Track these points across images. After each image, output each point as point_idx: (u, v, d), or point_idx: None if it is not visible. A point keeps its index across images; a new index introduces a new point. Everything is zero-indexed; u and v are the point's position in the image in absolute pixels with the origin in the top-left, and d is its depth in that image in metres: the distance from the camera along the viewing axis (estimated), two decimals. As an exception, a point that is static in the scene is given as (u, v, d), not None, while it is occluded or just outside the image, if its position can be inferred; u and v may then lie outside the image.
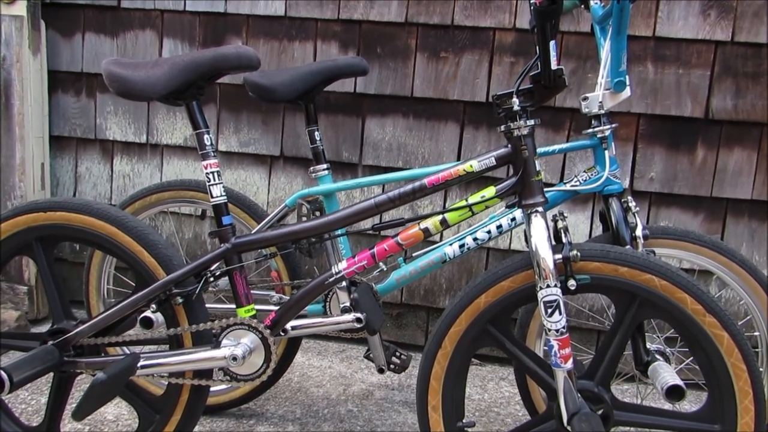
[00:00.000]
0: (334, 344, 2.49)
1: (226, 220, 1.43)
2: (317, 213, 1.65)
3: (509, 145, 1.31)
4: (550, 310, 1.26)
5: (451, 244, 1.69)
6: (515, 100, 1.27)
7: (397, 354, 1.84)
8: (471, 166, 1.32)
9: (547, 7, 1.18)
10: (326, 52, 2.33)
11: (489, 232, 1.68)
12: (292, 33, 2.35)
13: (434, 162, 2.31)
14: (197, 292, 1.43)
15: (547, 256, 1.26)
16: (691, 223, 2.20)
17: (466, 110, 2.28)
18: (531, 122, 1.28)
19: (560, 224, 1.34)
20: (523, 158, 1.29)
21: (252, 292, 1.88)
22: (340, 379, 2.19)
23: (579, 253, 1.27)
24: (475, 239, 1.68)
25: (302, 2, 2.32)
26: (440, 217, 1.35)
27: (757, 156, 2.14)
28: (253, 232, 1.73)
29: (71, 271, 2.58)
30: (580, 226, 2.26)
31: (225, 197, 1.43)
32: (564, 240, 1.31)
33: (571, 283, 1.28)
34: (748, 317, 1.70)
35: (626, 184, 2.20)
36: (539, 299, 1.27)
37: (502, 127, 1.30)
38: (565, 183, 1.65)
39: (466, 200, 1.34)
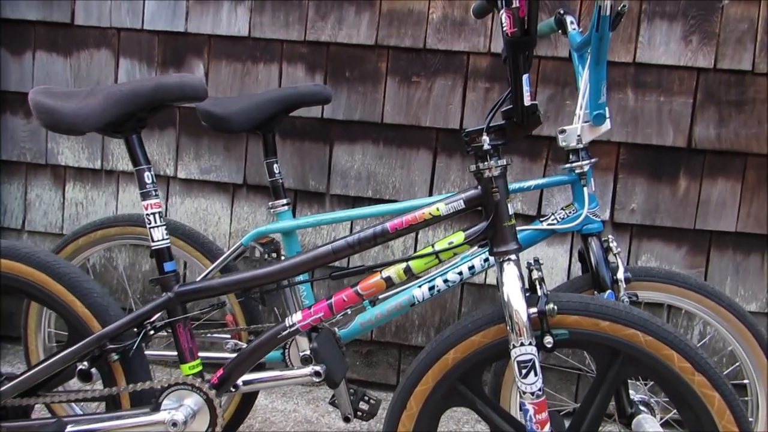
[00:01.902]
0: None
1: (168, 266, 1.29)
2: (274, 255, 1.51)
3: (479, 187, 1.19)
4: (524, 371, 1.14)
5: (420, 286, 1.57)
6: (485, 138, 1.15)
7: (366, 398, 1.70)
8: (437, 209, 1.20)
9: (519, 38, 1.07)
10: (292, 75, 2.20)
11: (460, 273, 1.56)
12: (257, 54, 2.22)
13: (405, 192, 2.19)
14: (135, 347, 1.29)
15: (521, 309, 1.14)
16: (673, 257, 2.10)
17: (439, 137, 2.16)
18: (502, 162, 1.16)
19: (535, 274, 1.22)
20: (494, 201, 1.17)
21: (210, 335, 1.76)
22: (305, 424, 2.04)
23: (556, 307, 1.15)
24: (445, 281, 1.57)
25: (267, 22, 2.20)
26: (404, 265, 1.23)
27: (741, 187, 2.05)
28: (200, 277, 1.59)
29: (18, 305, 2.41)
30: (558, 260, 2.15)
31: (167, 241, 1.29)
32: (539, 291, 1.19)
33: (548, 340, 1.15)
34: (737, 364, 1.59)
35: (606, 215, 2.10)
36: (512, 358, 1.15)
37: (472, 167, 1.19)
38: (541, 221, 1.54)
39: (433, 246, 1.22)
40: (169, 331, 1.30)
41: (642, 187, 2.09)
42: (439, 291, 1.57)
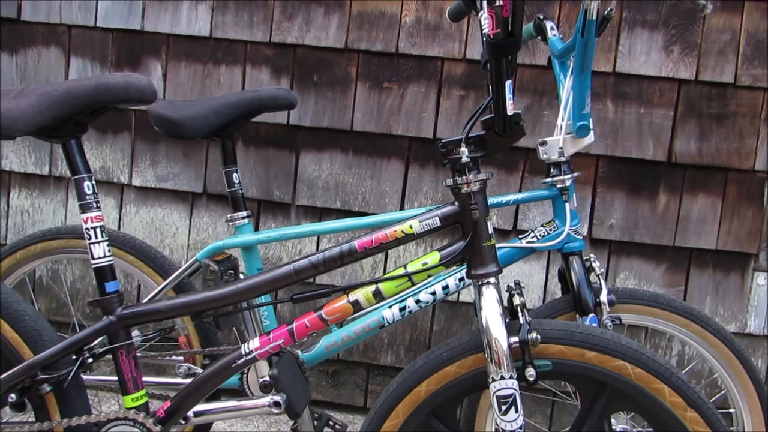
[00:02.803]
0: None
1: (110, 286, 1.16)
2: (231, 272, 1.39)
3: (456, 203, 1.09)
4: (504, 407, 1.03)
5: (390, 307, 1.46)
6: (463, 149, 1.05)
7: (331, 423, 1.59)
8: (410, 227, 1.09)
9: (503, 41, 0.97)
10: (257, 78, 2.08)
11: (434, 293, 1.45)
12: (219, 56, 2.09)
13: (376, 203, 2.08)
14: (71, 376, 1.15)
15: (501, 338, 1.03)
16: (652, 275, 2.03)
17: (412, 147, 2.06)
18: (482, 177, 1.06)
19: (517, 300, 1.12)
20: (472, 219, 1.06)
21: (161, 358, 1.61)
22: (264, 451, 1.91)
23: (539, 336, 1.05)
24: (417, 301, 1.46)
25: (230, 22, 2.07)
26: (373, 287, 1.11)
27: (722, 203, 1.99)
28: (149, 297, 1.46)
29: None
30: (534, 276, 2.05)
31: (110, 258, 1.16)
32: (521, 318, 1.09)
33: (530, 373, 1.05)
34: (723, 392, 1.51)
35: (585, 231, 2.01)
36: (491, 392, 1.04)
37: (449, 181, 1.08)
38: (520, 238, 1.44)
39: (405, 268, 1.11)
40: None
41: (621, 202, 2.01)
42: (410, 312, 1.46)
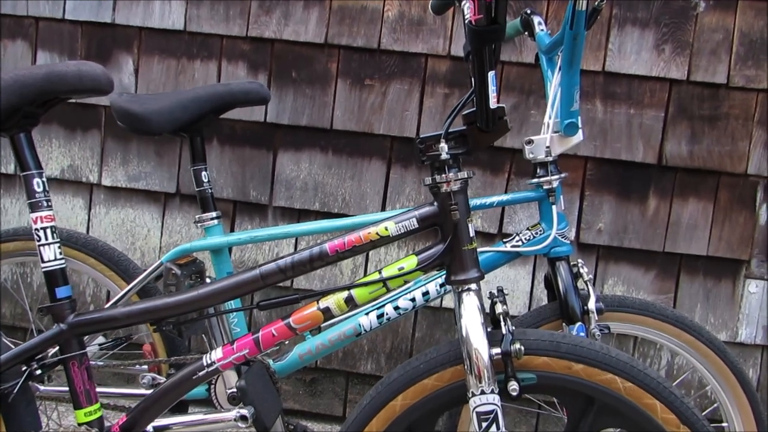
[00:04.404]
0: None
1: (61, 291, 1.07)
2: (197, 276, 1.30)
3: (435, 203, 1.01)
4: (485, 424, 0.96)
5: (367, 314, 1.39)
6: (443, 146, 0.97)
7: (306, 435, 1.50)
8: (386, 229, 1.01)
9: (485, 27, 0.89)
10: (233, 74, 1.99)
11: (413, 300, 1.38)
12: (193, 51, 2.01)
13: (356, 205, 2.00)
14: (17, 389, 1.06)
15: (481, 349, 0.96)
16: (641, 281, 1.96)
17: (394, 146, 1.98)
18: (463, 175, 0.99)
19: (499, 308, 1.05)
20: (452, 221, 0.99)
21: (124, 368, 1.52)
22: (237, 464, 1.82)
23: (523, 347, 0.97)
24: (396, 308, 1.38)
25: (205, 15, 1.98)
26: (345, 293, 1.03)
27: (713, 208, 1.92)
28: (111, 302, 1.37)
29: None
30: (520, 282, 1.98)
31: (61, 262, 1.07)
32: (504, 328, 1.01)
33: (513, 387, 0.97)
34: (715, 405, 1.44)
35: (572, 236, 1.94)
36: (471, 408, 0.97)
37: (428, 180, 1.01)
38: (505, 242, 1.37)
39: (380, 273, 1.03)
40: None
41: (610, 206, 1.94)
42: (389, 319, 1.39)
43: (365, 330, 1.38)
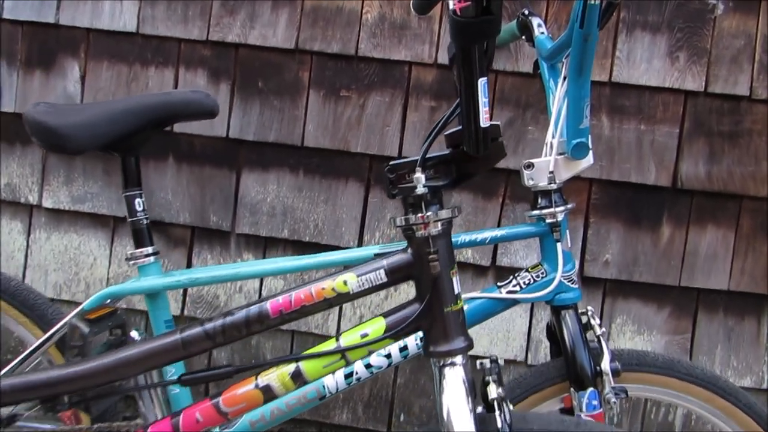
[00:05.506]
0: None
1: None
2: (118, 332, 1.06)
3: (409, 249, 0.78)
4: None
5: (333, 373, 1.14)
6: (419, 176, 0.74)
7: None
8: (345, 283, 0.78)
9: (473, 19, 0.66)
10: (191, 82, 1.76)
11: (389, 356, 1.13)
12: (147, 56, 1.77)
13: (330, 232, 1.76)
14: None
15: (469, 442, 0.72)
16: (653, 319, 1.73)
17: (373, 167, 1.75)
18: (446, 214, 0.75)
19: (493, 392, 0.81)
20: (431, 274, 0.75)
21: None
22: None
23: (524, 443, 0.74)
24: (368, 366, 1.14)
25: (161, 16, 1.75)
26: (292, 367, 0.80)
27: (734, 236, 1.70)
28: (17, 360, 1.12)
29: None
30: (516, 321, 1.74)
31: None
32: (499, 417, 0.77)
33: (510, 496, 0.74)
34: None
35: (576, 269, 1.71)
36: None
37: (399, 220, 0.77)
38: (499, 286, 1.13)
39: (337, 340, 0.79)
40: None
41: (618, 234, 1.71)
42: (359, 380, 1.14)
43: (330, 392, 1.14)
